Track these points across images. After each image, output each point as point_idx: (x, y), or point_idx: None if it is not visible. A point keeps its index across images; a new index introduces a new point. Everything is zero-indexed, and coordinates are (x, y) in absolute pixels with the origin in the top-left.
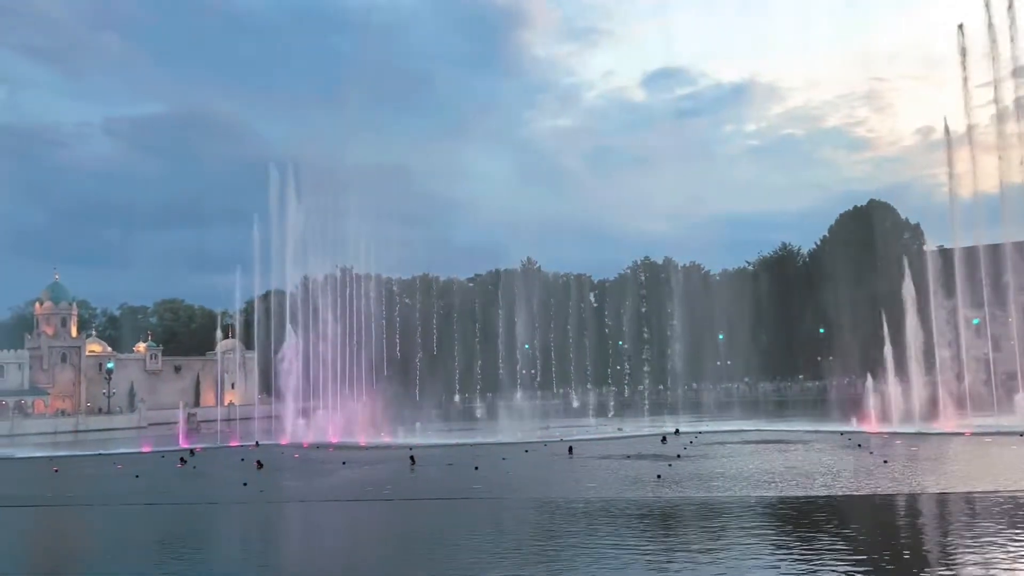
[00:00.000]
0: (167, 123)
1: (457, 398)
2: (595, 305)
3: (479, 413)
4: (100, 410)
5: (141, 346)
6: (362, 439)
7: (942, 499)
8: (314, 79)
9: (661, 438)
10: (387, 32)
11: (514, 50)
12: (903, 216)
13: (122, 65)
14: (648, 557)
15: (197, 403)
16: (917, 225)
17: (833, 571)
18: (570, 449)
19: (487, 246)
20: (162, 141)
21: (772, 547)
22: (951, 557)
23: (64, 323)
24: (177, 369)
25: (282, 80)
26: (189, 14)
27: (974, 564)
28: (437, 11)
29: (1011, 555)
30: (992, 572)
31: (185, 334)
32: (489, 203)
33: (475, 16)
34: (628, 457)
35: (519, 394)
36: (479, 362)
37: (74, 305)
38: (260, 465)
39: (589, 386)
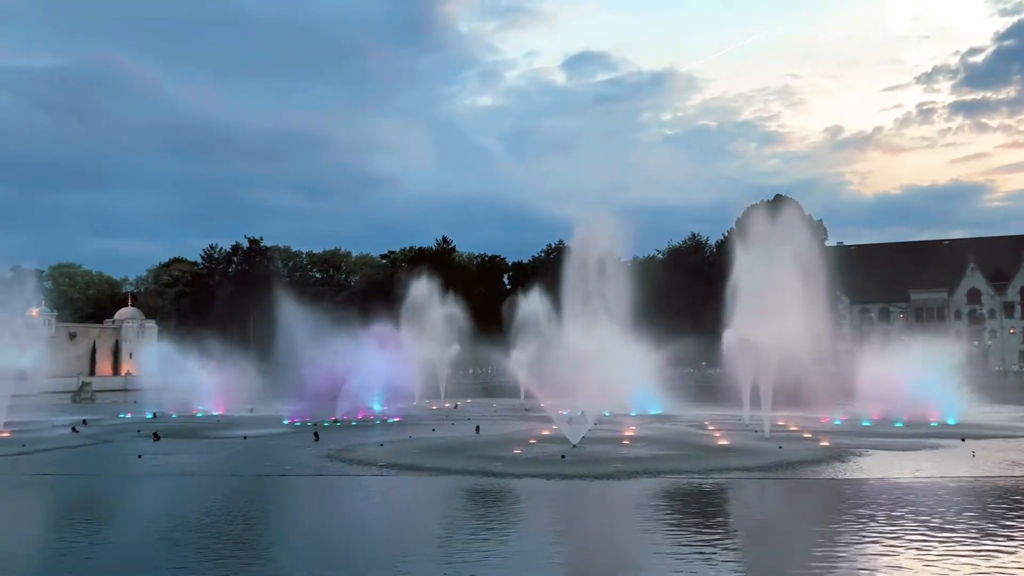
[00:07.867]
0: (66, 78)
1: None
2: (508, 287)
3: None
4: None
5: (34, 311)
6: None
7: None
8: (227, 41)
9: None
10: None
11: (437, 23)
12: (807, 212)
13: (16, 14)
14: None
15: (93, 372)
16: (820, 222)
17: None
18: (477, 428)
19: (402, 223)
20: (61, 97)
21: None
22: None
23: None
24: (72, 336)
25: (192, 40)
26: None
27: None
28: None
29: None
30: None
31: (81, 300)
32: (406, 179)
33: None
34: (534, 441)
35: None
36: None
37: None
38: (157, 437)
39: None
